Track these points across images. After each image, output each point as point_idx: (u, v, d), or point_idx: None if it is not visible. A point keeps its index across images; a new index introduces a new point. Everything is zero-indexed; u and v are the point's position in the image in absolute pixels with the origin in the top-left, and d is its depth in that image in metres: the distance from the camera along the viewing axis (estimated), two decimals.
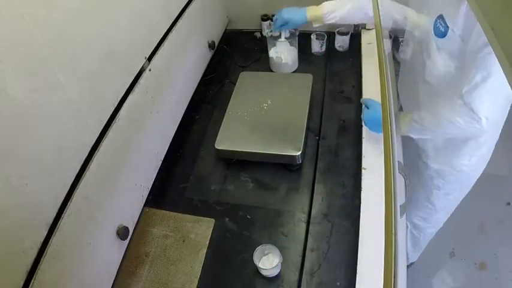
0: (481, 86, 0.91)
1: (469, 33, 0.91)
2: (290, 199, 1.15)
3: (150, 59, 1.05)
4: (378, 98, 1.13)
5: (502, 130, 1.14)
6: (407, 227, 1.60)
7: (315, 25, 1.34)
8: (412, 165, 1.39)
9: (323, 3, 1.29)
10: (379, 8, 0.83)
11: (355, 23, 1.48)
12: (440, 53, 1.02)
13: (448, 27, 0.96)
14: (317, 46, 1.60)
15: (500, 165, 2.05)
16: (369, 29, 1.62)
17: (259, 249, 0.96)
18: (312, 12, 1.30)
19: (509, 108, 1.08)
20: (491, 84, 0.90)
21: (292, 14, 1.31)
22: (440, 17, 0.98)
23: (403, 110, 1.34)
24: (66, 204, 0.73)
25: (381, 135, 1.11)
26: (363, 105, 1.14)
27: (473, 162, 1.21)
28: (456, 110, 0.97)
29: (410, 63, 1.21)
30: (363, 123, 1.14)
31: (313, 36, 1.57)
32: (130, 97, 0.95)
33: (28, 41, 0.62)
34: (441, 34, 0.99)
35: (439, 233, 1.61)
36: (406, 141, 1.28)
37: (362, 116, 1.13)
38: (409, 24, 1.21)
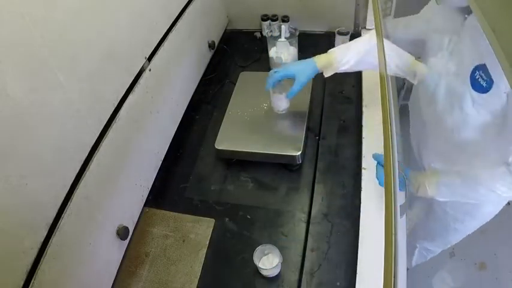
0: None
1: None
2: (290, 199, 1.15)
3: (150, 59, 1.05)
4: (377, 97, 1.12)
5: None
6: (416, 247, 1.57)
7: (327, 75, 1.13)
8: (429, 209, 1.33)
9: (330, 50, 1.12)
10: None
11: (366, 68, 1.25)
12: (477, 109, 0.87)
13: (492, 80, 0.79)
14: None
15: None
16: (368, 29, 1.62)
17: (259, 249, 0.96)
18: (322, 60, 1.11)
19: None
20: None
21: (301, 66, 1.12)
22: (481, 67, 0.81)
23: (417, 158, 1.23)
24: (66, 204, 0.73)
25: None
26: (375, 162, 0.99)
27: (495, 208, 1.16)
28: (498, 177, 0.85)
29: (431, 113, 1.06)
30: (378, 183, 1.00)
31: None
32: (130, 97, 0.95)
33: (28, 41, 0.62)
34: (482, 88, 0.82)
35: None
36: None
37: (376, 174, 0.98)
38: (418, 76, 1.08)
